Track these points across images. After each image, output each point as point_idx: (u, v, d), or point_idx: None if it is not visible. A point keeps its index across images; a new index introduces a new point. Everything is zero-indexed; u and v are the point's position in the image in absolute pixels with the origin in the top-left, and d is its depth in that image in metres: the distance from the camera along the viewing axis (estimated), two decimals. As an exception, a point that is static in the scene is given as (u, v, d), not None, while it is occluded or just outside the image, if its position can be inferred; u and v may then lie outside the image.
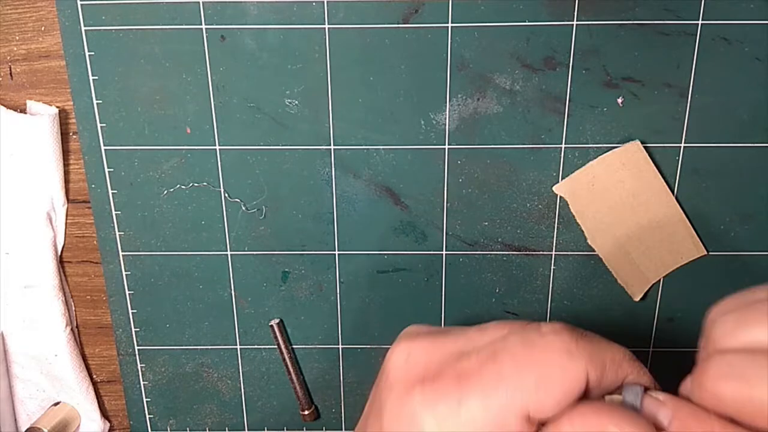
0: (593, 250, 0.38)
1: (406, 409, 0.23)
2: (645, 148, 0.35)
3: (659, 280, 0.38)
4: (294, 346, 0.41)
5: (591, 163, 0.36)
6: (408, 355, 0.25)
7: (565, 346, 0.22)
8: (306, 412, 0.41)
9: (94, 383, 0.42)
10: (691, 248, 0.37)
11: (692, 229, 0.37)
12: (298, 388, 0.41)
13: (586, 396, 0.22)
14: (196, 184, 0.37)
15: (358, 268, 0.39)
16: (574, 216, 0.37)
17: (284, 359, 0.40)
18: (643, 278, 0.38)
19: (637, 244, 0.37)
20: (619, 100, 0.35)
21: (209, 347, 0.41)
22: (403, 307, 0.39)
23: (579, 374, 0.22)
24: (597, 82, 0.35)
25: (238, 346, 0.41)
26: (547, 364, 0.22)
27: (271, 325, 0.40)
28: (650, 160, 0.35)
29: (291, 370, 0.40)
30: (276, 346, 0.40)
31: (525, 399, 0.21)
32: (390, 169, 0.37)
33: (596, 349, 0.22)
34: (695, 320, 0.39)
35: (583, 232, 0.37)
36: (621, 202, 0.36)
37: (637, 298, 0.38)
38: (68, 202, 0.38)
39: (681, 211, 0.36)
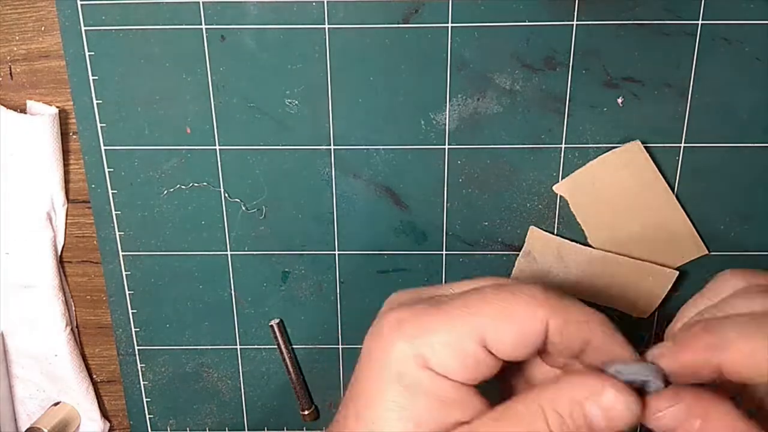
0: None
1: (378, 339, 0.25)
2: (645, 148, 0.35)
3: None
4: (294, 346, 0.41)
5: (591, 162, 0.36)
6: (393, 302, 0.26)
7: (531, 292, 0.24)
8: (306, 412, 0.41)
9: (94, 383, 0.42)
10: (692, 248, 0.37)
11: (693, 228, 0.37)
12: (298, 388, 0.41)
13: (547, 347, 0.24)
14: (196, 184, 0.37)
15: (358, 268, 0.39)
16: (574, 215, 0.37)
17: (284, 359, 0.40)
18: (649, 295, 0.38)
19: (638, 244, 0.37)
20: (619, 100, 0.35)
21: (209, 347, 0.41)
22: (403, 307, 0.39)
23: (537, 316, 0.23)
24: (597, 82, 0.35)
25: (238, 346, 0.41)
26: (510, 301, 0.23)
27: (271, 325, 0.40)
28: (651, 160, 0.35)
29: (291, 370, 0.40)
30: (276, 346, 0.40)
31: (483, 326, 0.23)
32: (390, 169, 0.37)
33: (562, 304, 0.24)
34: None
35: (583, 231, 0.37)
36: (622, 202, 0.36)
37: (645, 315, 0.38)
38: (68, 202, 0.38)
39: (682, 210, 0.36)
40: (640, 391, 0.23)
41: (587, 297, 0.37)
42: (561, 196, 0.37)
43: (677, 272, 0.37)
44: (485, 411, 0.24)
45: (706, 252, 0.37)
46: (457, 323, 0.23)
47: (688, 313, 0.27)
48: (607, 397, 0.22)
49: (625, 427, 0.23)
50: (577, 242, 0.37)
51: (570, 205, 0.37)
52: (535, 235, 0.37)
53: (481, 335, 0.23)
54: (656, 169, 0.36)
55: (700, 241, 0.37)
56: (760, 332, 0.22)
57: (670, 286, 0.37)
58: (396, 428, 0.23)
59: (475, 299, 0.24)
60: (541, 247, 0.37)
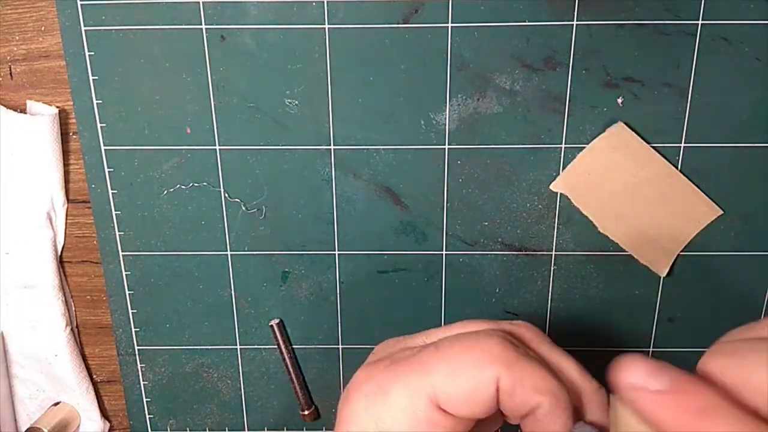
0: (593, 250, 0.38)
1: (345, 402, 0.24)
2: (645, 148, 0.35)
3: (659, 281, 0.38)
4: (294, 346, 0.41)
5: (581, 154, 0.36)
6: (373, 354, 0.26)
7: (488, 347, 0.23)
8: (306, 412, 0.41)
9: (94, 383, 0.42)
10: (707, 211, 0.36)
11: (701, 192, 0.36)
12: (298, 388, 0.41)
13: (498, 407, 0.23)
14: (196, 184, 0.37)
15: (358, 268, 0.39)
16: (574, 215, 0.37)
17: (284, 359, 0.40)
18: (665, 252, 0.37)
19: (650, 221, 0.36)
20: (619, 100, 0.35)
21: (209, 347, 0.41)
22: (403, 307, 0.39)
23: (489, 374, 0.22)
24: (597, 82, 0.35)
25: (238, 346, 0.41)
26: (463, 357, 0.23)
27: (271, 325, 0.40)
28: (639, 138, 0.35)
29: (291, 370, 0.40)
30: (276, 346, 0.40)
31: (434, 385, 0.22)
32: (390, 169, 0.37)
33: (519, 365, 0.22)
34: (695, 320, 0.39)
35: (586, 226, 0.37)
36: (623, 184, 0.36)
37: (663, 274, 0.38)
38: (68, 202, 0.38)
39: (685, 178, 0.36)
40: None
41: (635, 206, 0.36)
42: (561, 196, 0.37)
43: (722, 211, 0.36)
44: None
45: (722, 212, 0.36)
46: (410, 383, 0.23)
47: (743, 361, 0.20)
48: None
49: None
50: (578, 243, 0.38)
51: (572, 199, 0.37)
52: (619, 130, 0.35)
53: (431, 395, 0.23)
54: (647, 145, 0.35)
55: (712, 202, 0.36)
56: None
57: (707, 223, 0.36)
58: None
59: (431, 355, 0.23)
60: (617, 143, 0.36)
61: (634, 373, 0.20)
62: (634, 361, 0.20)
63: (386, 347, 0.26)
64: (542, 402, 0.22)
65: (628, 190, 0.36)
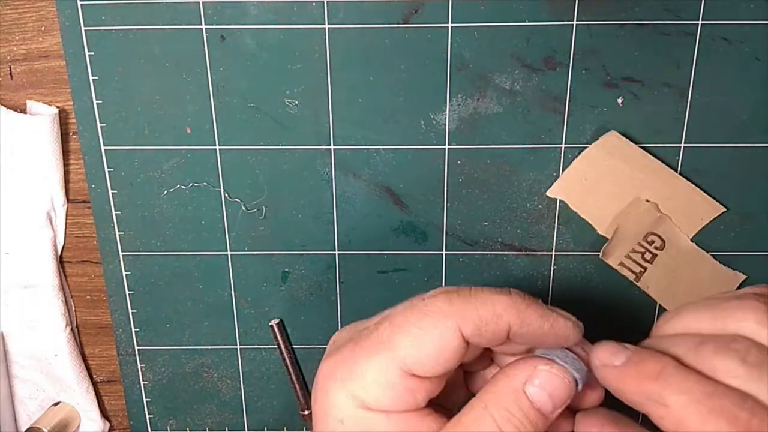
0: (593, 250, 0.38)
1: (318, 390, 0.25)
2: (645, 148, 0.35)
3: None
4: (294, 346, 0.41)
5: (575, 161, 0.36)
6: (332, 343, 0.27)
7: (437, 307, 0.24)
8: (306, 413, 0.41)
9: (94, 383, 0.42)
10: (708, 208, 0.36)
11: (701, 190, 0.36)
12: (298, 388, 0.41)
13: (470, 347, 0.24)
14: (196, 184, 0.37)
15: (358, 268, 0.39)
16: (575, 215, 0.37)
17: (284, 359, 0.40)
18: None
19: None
20: (619, 100, 0.35)
21: (209, 347, 0.41)
22: (403, 307, 0.39)
23: (450, 331, 0.23)
24: (597, 82, 0.35)
25: (238, 346, 0.41)
26: (421, 324, 0.24)
27: (271, 325, 0.40)
28: (633, 143, 0.35)
29: (291, 370, 0.40)
30: (276, 346, 0.40)
31: (401, 355, 0.23)
32: (390, 169, 0.37)
33: (470, 306, 0.24)
34: (695, 320, 0.39)
35: (586, 226, 0.37)
36: (621, 188, 0.36)
37: None
38: (68, 202, 0.38)
39: (683, 178, 0.36)
40: None
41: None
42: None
43: (724, 208, 0.36)
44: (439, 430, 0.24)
45: (724, 209, 0.36)
46: (380, 360, 0.24)
47: (686, 321, 0.24)
48: (542, 375, 0.24)
49: (568, 400, 0.24)
50: (578, 243, 0.37)
51: (570, 206, 0.37)
52: (612, 138, 0.35)
53: (402, 364, 0.24)
54: (642, 149, 0.35)
55: (713, 200, 0.36)
56: (707, 404, 0.20)
57: (709, 220, 0.36)
58: None
59: (387, 329, 0.24)
60: (612, 148, 0.36)
61: (601, 354, 0.24)
62: (601, 344, 0.24)
63: (343, 334, 0.27)
64: (509, 319, 0.24)
65: (626, 193, 0.36)
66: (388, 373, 0.24)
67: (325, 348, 0.41)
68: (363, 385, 0.24)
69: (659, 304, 0.38)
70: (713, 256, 0.37)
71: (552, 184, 0.36)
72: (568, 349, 0.25)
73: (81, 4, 0.34)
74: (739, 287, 0.38)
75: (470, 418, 0.24)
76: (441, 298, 0.24)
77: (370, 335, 0.25)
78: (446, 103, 0.35)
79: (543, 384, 0.24)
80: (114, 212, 0.38)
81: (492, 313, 0.24)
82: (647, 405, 0.22)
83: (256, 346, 0.41)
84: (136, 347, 0.41)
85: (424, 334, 0.23)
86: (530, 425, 0.24)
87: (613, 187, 0.36)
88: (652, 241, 0.37)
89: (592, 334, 0.41)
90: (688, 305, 0.24)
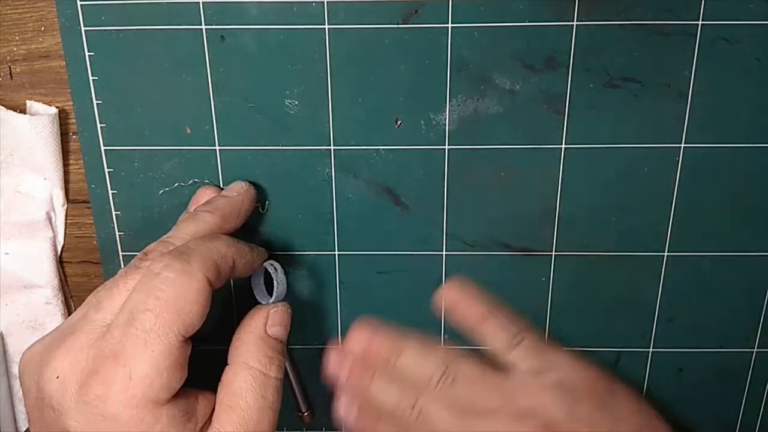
0: (593, 250, 0.38)
1: (89, 417, 0.25)
2: (645, 147, 0.35)
3: (659, 281, 0.38)
4: (294, 347, 0.41)
5: None
6: (54, 372, 0.26)
7: (176, 271, 0.26)
8: (305, 413, 0.41)
9: (94, 383, 0.42)
10: None
11: None
12: (296, 389, 0.41)
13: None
14: (196, 184, 0.37)
15: (358, 268, 0.39)
16: (575, 215, 0.37)
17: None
18: None
19: None
20: (618, 101, 0.35)
21: (209, 347, 0.41)
22: (403, 307, 0.39)
23: (200, 284, 0.27)
24: (597, 82, 0.35)
25: (238, 346, 0.41)
26: (172, 295, 0.26)
27: None
28: None
29: (290, 370, 0.40)
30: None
31: (174, 331, 0.26)
32: (390, 169, 0.37)
33: (204, 256, 0.28)
34: (695, 320, 0.39)
35: (586, 226, 0.37)
36: None
37: None
38: (68, 202, 0.38)
39: None
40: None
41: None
42: (561, 196, 0.37)
43: None
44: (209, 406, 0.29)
45: None
46: (154, 348, 0.26)
47: None
48: (274, 316, 0.31)
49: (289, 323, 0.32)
50: (577, 242, 0.37)
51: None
52: None
53: (179, 338, 0.27)
54: None
55: None
56: None
57: None
58: None
59: (148, 321, 0.26)
60: None
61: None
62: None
63: (62, 357, 0.27)
64: (233, 255, 0.30)
65: None
66: (169, 355, 0.26)
67: (325, 348, 0.41)
68: (150, 384, 0.25)
69: (659, 305, 0.39)
70: (713, 256, 0.37)
71: (552, 184, 0.36)
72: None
73: (81, 4, 0.34)
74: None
75: (240, 380, 0.29)
76: (174, 265, 0.27)
77: (126, 337, 0.26)
78: (446, 103, 0.35)
79: (276, 321, 0.31)
80: (114, 212, 0.38)
81: (222, 253, 0.29)
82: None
83: (256, 346, 0.41)
84: (136, 347, 0.41)
85: (180, 300, 0.26)
86: (281, 356, 0.30)
87: None
88: None
89: (592, 335, 0.41)
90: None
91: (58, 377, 0.26)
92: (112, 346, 0.26)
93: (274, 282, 0.34)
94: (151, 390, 0.25)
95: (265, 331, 0.31)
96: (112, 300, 0.28)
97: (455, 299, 0.37)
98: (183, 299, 0.26)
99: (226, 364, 0.31)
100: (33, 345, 0.28)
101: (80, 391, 0.25)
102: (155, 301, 0.26)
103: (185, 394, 0.28)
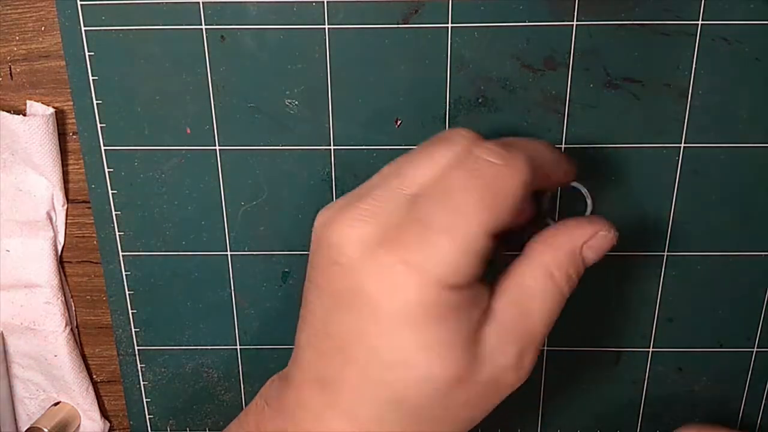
0: (593, 250, 0.38)
1: (379, 275, 0.24)
2: (645, 148, 0.35)
3: (659, 281, 0.38)
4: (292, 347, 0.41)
5: None
6: (351, 225, 0.25)
7: (502, 158, 0.24)
8: (306, 412, 0.41)
9: (94, 383, 0.42)
10: None
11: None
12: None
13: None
14: (196, 184, 0.37)
15: (358, 268, 0.39)
16: (578, 210, 0.37)
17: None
18: None
19: None
20: (618, 101, 0.35)
21: (209, 347, 0.41)
22: (403, 307, 0.39)
23: (523, 177, 0.25)
24: (597, 82, 0.35)
25: (238, 346, 0.41)
26: (492, 180, 0.24)
27: None
28: None
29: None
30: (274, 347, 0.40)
31: (485, 218, 0.24)
32: (390, 169, 0.36)
33: (530, 154, 0.25)
34: (695, 320, 0.39)
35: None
36: None
37: None
38: (68, 202, 0.38)
39: None
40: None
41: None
42: (561, 196, 0.37)
43: None
44: (490, 295, 0.26)
45: None
46: (460, 231, 0.24)
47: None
48: (599, 240, 0.27)
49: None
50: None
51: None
52: None
53: (487, 232, 0.24)
54: None
55: None
56: None
57: None
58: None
59: (464, 199, 0.24)
60: None
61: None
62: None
63: (364, 213, 0.26)
64: (549, 156, 0.27)
65: None
66: (472, 242, 0.24)
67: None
68: (447, 263, 0.23)
69: (659, 302, 0.39)
70: (713, 256, 0.37)
71: (552, 184, 0.36)
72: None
73: (81, 4, 0.34)
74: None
75: (540, 283, 0.26)
76: (499, 152, 0.25)
77: (441, 209, 0.24)
78: (446, 103, 0.35)
79: (598, 246, 0.27)
80: (114, 212, 0.38)
81: (546, 160, 0.27)
82: None
83: (256, 346, 0.41)
84: (136, 347, 0.41)
85: (501, 193, 0.24)
86: (577, 281, 0.27)
87: None
88: None
89: (592, 335, 0.41)
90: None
91: (355, 234, 0.24)
92: (420, 215, 0.24)
93: (588, 202, 0.32)
94: (450, 269, 0.23)
95: (580, 248, 0.27)
96: (415, 168, 0.26)
97: None
98: (502, 188, 0.24)
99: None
100: (328, 207, 0.27)
101: (378, 251, 0.24)
102: (476, 181, 0.24)
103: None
